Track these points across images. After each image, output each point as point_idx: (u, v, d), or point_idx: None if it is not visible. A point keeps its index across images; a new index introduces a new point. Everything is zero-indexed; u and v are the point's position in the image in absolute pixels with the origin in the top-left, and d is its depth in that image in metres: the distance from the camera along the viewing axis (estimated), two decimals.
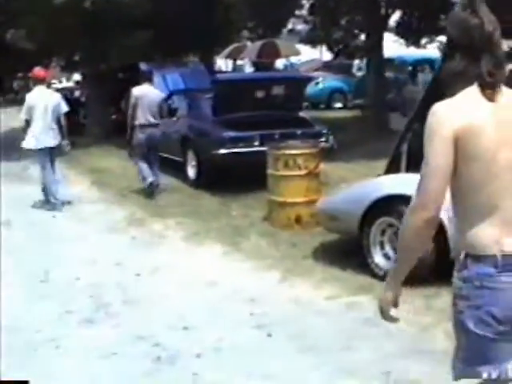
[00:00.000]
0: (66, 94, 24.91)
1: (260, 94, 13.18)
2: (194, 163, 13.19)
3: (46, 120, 11.72)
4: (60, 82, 38.75)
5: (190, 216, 10.78)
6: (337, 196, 8.44)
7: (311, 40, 23.09)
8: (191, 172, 13.28)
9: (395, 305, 3.18)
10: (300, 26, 25.76)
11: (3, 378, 5.64)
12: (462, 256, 3.02)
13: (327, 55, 34.36)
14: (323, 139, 12.80)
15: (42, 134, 11.70)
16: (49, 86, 15.02)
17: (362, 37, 20.46)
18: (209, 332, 6.16)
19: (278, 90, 13.30)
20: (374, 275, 7.45)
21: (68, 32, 18.66)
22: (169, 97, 15.65)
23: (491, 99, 2.97)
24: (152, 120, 12.58)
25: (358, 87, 24.93)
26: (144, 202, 11.89)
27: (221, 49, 27.08)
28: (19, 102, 17.61)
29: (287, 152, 10.02)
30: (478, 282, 2.95)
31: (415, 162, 8.19)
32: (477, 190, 2.94)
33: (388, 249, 7.61)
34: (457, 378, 3.15)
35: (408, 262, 3.12)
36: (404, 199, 7.31)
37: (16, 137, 14.63)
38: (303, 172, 9.89)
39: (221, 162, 12.35)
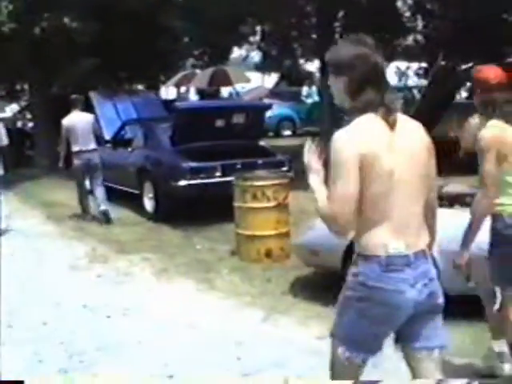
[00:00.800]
0: (7, 124, 24.39)
1: (220, 122, 12.87)
2: (151, 195, 12.80)
3: None
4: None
5: (154, 251, 10.40)
6: (316, 229, 8.11)
7: (263, 67, 22.89)
8: (149, 205, 12.89)
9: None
10: (246, 53, 25.56)
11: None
12: (355, 255, 3.63)
13: (269, 82, 34.34)
14: (285, 168, 12.55)
15: None
16: None
17: (315, 62, 20.34)
18: (197, 381, 5.76)
19: (238, 119, 13.01)
20: None
21: (14, 59, 18.15)
22: (122, 127, 15.33)
23: (391, 126, 3.54)
24: (87, 146, 12.84)
25: (308, 114, 24.85)
26: (104, 236, 11.47)
27: (166, 77, 26.71)
28: None
29: (255, 183, 9.75)
30: (363, 278, 3.55)
31: None
32: (375, 204, 3.53)
33: None
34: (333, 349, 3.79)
35: None
36: None
37: None
38: (272, 204, 9.65)
39: (181, 194, 12.00)
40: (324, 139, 12.55)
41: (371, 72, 3.55)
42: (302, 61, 20.64)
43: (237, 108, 13.98)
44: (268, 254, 9.60)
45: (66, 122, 13.00)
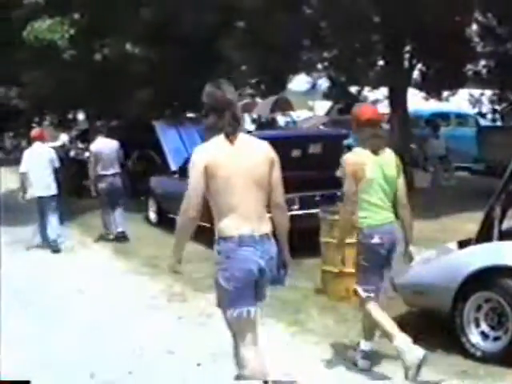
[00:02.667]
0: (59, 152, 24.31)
1: (296, 152, 12.51)
2: None
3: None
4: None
5: None
6: (422, 268, 7.68)
7: (329, 96, 22.61)
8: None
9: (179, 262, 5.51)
10: (313, 80, 25.31)
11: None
12: (216, 237, 5.20)
13: (321, 110, 34.05)
14: None
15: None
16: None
17: (381, 90, 19.99)
18: None
19: (315, 149, 12.65)
20: (470, 356, 6.84)
21: (72, 87, 17.96)
22: (189, 156, 14.96)
23: (231, 142, 5.18)
24: (111, 170, 14.27)
25: None
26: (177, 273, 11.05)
27: None
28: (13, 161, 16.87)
29: None
30: (224, 253, 5.14)
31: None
32: (222, 198, 5.16)
33: (484, 326, 6.95)
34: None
35: (182, 243, 5.45)
36: (505, 271, 6.67)
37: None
38: None
39: None
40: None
41: (215, 104, 5.25)
42: (367, 88, 20.23)
43: (313, 137, 13.66)
44: (357, 292, 9.12)
45: (94, 147, 14.45)
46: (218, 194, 5.12)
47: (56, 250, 13.56)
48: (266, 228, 5.27)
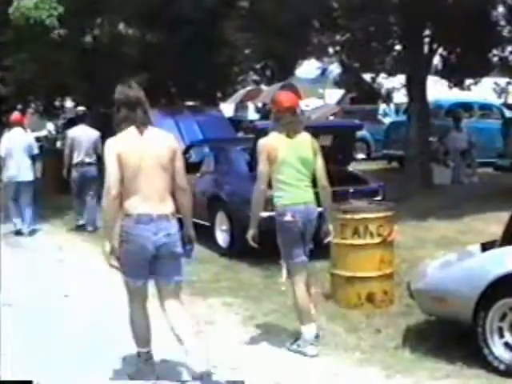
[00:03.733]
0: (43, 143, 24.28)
1: None
2: (224, 227, 12.49)
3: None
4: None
5: (234, 294, 9.99)
6: (441, 273, 7.68)
7: (340, 83, 22.57)
8: (222, 238, 12.55)
9: (112, 253, 6.33)
10: (323, 66, 25.26)
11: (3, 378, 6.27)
12: (122, 215, 6.34)
13: (332, 99, 33.98)
14: (379, 197, 12.14)
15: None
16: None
17: (398, 78, 19.93)
18: None
19: (325, 141, 12.58)
20: (493, 369, 6.82)
21: (59, 72, 17.95)
22: (187, 149, 15.04)
23: (141, 133, 6.38)
24: (87, 159, 15.27)
25: (388, 135, 24.39)
26: None
27: (224, 93, 26.49)
28: None
29: (357, 216, 9.28)
30: (125, 228, 6.31)
31: None
32: (131, 181, 6.30)
33: (509, 337, 6.95)
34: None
35: (110, 223, 6.42)
36: None
37: None
38: (376, 240, 9.20)
39: (260, 226, 11.49)
40: (413, 164, 12.21)
41: (127, 100, 6.44)
42: (382, 75, 20.13)
43: (323, 129, 13.54)
44: (370, 299, 9.17)
45: (72, 133, 15.59)
46: (127, 177, 6.29)
47: (20, 233, 15.10)
48: (167, 209, 6.44)
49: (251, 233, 7.93)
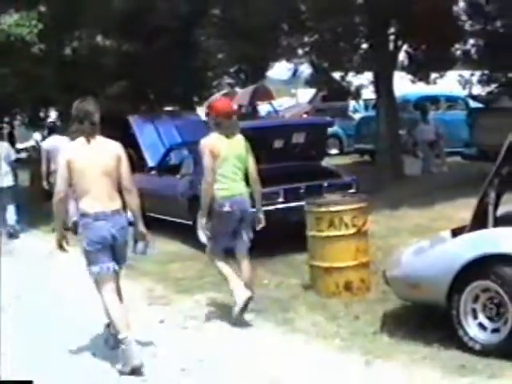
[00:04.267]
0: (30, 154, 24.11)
1: (278, 143, 12.48)
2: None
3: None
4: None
5: (218, 289, 9.85)
6: (415, 259, 7.62)
7: (311, 83, 22.62)
8: (203, 236, 12.38)
9: (66, 242, 7.38)
10: (294, 67, 25.27)
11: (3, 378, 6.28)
12: (79, 215, 7.18)
13: (304, 98, 33.99)
14: (353, 190, 12.09)
15: None
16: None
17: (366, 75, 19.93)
18: None
19: (298, 138, 12.60)
20: (469, 349, 6.79)
21: (43, 83, 17.85)
22: (167, 152, 14.99)
23: (88, 143, 7.10)
24: None
25: (358, 130, 24.39)
26: (159, 275, 10.97)
27: (200, 97, 26.42)
28: None
29: (332, 209, 9.19)
30: (84, 225, 7.08)
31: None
32: (79, 184, 7.08)
33: (482, 318, 6.90)
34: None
35: (60, 219, 7.36)
36: (502, 259, 6.64)
37: None
38: (351, 231, 9.14)
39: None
40: (384, 157, 12.22)
41: (77, 114, 7.15)
42: (351, 74, 20.15)
43: (296, 126, 13.56)
44: (347, 287, 9.12)
45: (46, 145, 15.83)
46: (77, 182, 7.08)
47: (14, 235, 15.69)
48: (116, 205, 7.18)
49: (203, 222, 8.62)
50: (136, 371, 6.87)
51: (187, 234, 12.58)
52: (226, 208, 8.35)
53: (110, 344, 7.59)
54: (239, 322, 8.25)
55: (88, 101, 7.26)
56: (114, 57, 18.21)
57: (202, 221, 8.65)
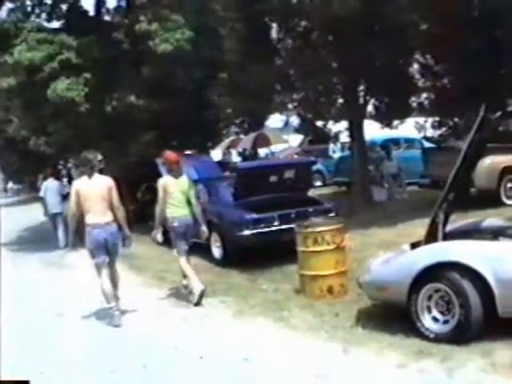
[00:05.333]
0: None
1: (273, 178, 12.52)
2: (218, 244, 12.39)
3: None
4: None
5: (227, 294, 9.89)
6: (382, 267, 7.61)
7: (300, 130, 22.73)
8: (217, 252, 12.45)
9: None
10: (286, 118, 25.33)
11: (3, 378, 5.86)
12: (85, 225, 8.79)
13: (295, 142, 34.05)
14: (333, 214, 12.08)
15: None
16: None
17: (342, 123, 19.96)
18: None
19: (289, 174, 12.63)
20: (425, 338, 6.78)
21: (89, 133, 17.93)
22: None
23: (90, 179, 8.82)
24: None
25: (337, 166, 24.37)
26: (179, 283, 10.93)
27: (212, 143, 26.50)
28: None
29: (316, 230, 9.22)
30: (87, 232, 8.76)
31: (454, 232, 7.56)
32: (84, 205, 8.73)
33: (435, 312, 6.89)
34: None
35: (73, 230, 9.00)
36: (450, 266, 6.64)
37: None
38: (331, 247, 9.13)
39: (245, 242, 11.60)
40: (357, 187, 12.22)
41: (81, 160, 9.16)
42: (330, 122, 20.21)
43: (288, 165, 13.66)
44: (330, 291, 9.10)
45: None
46: (82, 202, 8.73)
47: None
48: (108, 219, 8.79)
49: (154, 232, 10.13)
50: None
51: (203, 251, 12.56)
52: (175, 224, 9.76)
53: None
54: (198, 305, 9.31)
55: (90, 152, 9.44)
56: (145, 113, 18.17)
57: (155, 231, 10.08)
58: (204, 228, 10.06)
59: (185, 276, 9.89)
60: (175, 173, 9.88)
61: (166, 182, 9.83)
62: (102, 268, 8.87)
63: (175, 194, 9.72)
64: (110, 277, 8.98)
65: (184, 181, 9.93)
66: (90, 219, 8.74)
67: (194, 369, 6.75)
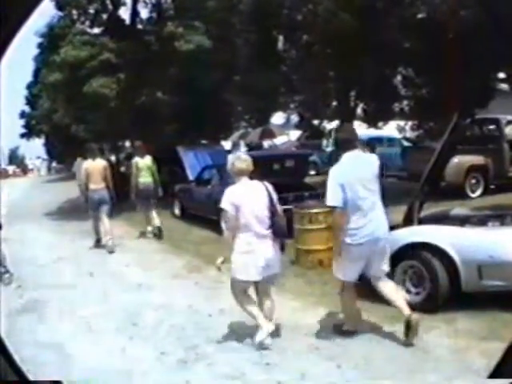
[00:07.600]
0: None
1: (276, 166, 12.45)
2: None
3: None
4: None
5: None
6: None
7: (299, 127, 22.67)
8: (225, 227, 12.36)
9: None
10: (288, 116, 25.23)
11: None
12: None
13: (294, 137, 33.89)
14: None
15: None
16: None
17: (335, 122, 19.91)
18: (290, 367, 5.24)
19: (289, 163, 12.58)
20: None
21: (120, 124, 17.89)
22: (202, 170, 14.97)
23: (93, 161, 11.68)
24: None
25: (328, 158, 24.25)
26: (195, 252, 10.92)
27: (225, 135, 26.35)
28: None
29: (311, 211, 9.20)
30: (88, 193, 11.61)
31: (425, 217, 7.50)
32: (89, 177, 11.36)
33: (409, 285, 6.87)
34: None
35: (82, 188, 12.40)
36: (422, 246, 6.60)
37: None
38: (323, 226, 9.07)
39: None
40: None
41: (87, 149, 12.09)
42: (325, 121, 20.20)
43: (288, 155, 13.64)
44: (320, 263, 9.08)
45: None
46: (88, 176, 11.40)
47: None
48: (102, 185, 11.39)
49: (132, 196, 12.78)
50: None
51: (214, 225, 12.54)
52: (141, 186, 12.43)
53: None
54: None
55: (93, 143, 12.91)
56: (168, 107, 18.13)
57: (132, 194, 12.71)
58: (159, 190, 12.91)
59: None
60: (142, 155, 12.73)
61: (136, 160, 12.76)
62: (95, 216, 11.60)
63: (142, 168, 12.63)
64: (101, 221, 11.41)
65: (148, 159, 12.70)
66: (91, 185, 11.29)
67: (205, 325, 6.71)
